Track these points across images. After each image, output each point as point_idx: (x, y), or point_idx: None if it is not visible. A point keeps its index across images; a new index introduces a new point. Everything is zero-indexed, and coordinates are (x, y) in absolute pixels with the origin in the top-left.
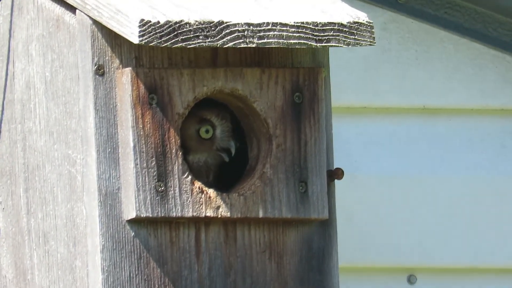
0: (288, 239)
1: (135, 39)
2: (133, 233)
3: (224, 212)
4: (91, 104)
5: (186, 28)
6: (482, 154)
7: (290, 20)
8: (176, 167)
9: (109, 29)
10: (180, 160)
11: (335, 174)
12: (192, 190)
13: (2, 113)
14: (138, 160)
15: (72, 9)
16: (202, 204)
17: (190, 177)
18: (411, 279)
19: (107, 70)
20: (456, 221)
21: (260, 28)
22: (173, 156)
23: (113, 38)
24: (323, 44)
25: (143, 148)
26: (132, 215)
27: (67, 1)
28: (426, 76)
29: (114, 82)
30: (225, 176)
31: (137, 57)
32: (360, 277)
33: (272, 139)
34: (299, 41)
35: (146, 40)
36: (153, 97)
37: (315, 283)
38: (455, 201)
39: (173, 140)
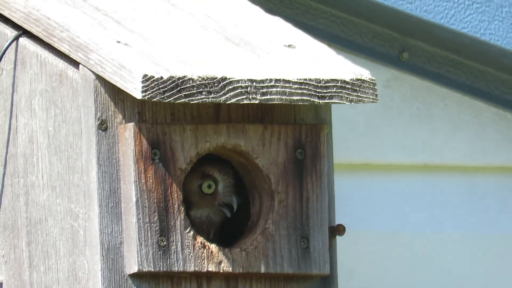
0: None
1: (138, 95)
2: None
3: (226, 267)
4: (94, 159)
5: (189, 83)
6: (483, 211)
7: (293, 77)
8: (178, 222)
9: (112, 84)
10: (182, 215)
11: (336, 230)
12: (194, 245)
13: (5, 167)
14: (141, 215)
15: (75, 64)
16: (204, 259)
17: (192, 232)
18: None
19: (110, 125)
20: (456, 278)
21: (263, 85)
22: (175, 211)
23: (116, 93)
24: (326, 101)
25: (146, 203)
26: (134, 269)
27: (71, 56)
28: (428, 134)
29: (117, 137)
30: (227, 232)
31: (140, 112)
32: None
33: (274, 195)
34: (302, 97)
35: (149, 96)
36: (155, 152)
37: None
38: (455, 258)
39: (176, 195)
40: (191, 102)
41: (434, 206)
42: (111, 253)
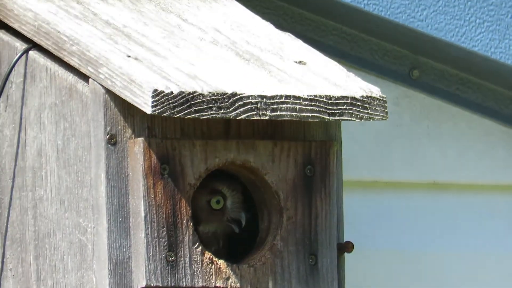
0: None
1: (148, 109)
2: None
3: (234, 283)
4: (103, 173)
5: (199, 99)
6: (491, 230)
7: (303, 93)
8: (187, 238)
9: (122, 98)
10: (191, 230)
11: (345, 247)
12: (202, 261)
13: (14, 181)
14: (149, 230)
15: (85, 78)
16: (212, 274)
17: (200, 247)
18: None
19: (120, 139)
20: None
21: (273, 101)
22: (184, 226)
23: (126, 108)
24: (336, 118)
25: (154, 218)
26: (142, 284)
27: (80, 70)
28: (437, 152)
29: (126, 152)
30: (235, 247)
31: (149, 127)
32: None
33: (283, 212)
34: (312, 114)
35: (159, 111)
36: (165, 167)
37: None
38: (463, 277)
39: (184, 210)
40: (201, 118)
41: (443, 224)
42: (119, 267)
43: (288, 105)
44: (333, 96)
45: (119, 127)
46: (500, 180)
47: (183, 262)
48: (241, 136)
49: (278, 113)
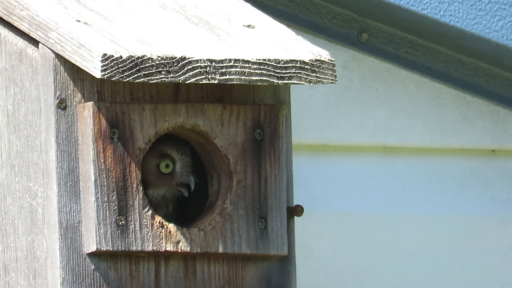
0: (247, 274)
1: (97, 74)
2: (93, 266)
3: (184, 247)
4: (53, 138)
5: (148, 63)
6: (441, 193)
7: (252, 57)
8: (137, 202)
9: (71, 63)
10: (141, 194)
11: (294, 211)
12: (152, 225)
13: None
14: (99, 194)
15: (35, 42)
16: (162, 238)
17: (150, 211)
18: None
19: (69, 104)
20: (414, 259)
21: (222, 65)
22: (134, 190)
23: (75, 72)
24: (285, 82)
25: (104, 182)
26: (93, 248)
27: (30, 35)
28: (386, 115)
29: (76, 116)
30: (185, 211)
31: (99, 92)
32: None
33: (232, 175)
34: (261, 78)
35: (108, 75)
36: (114, 131)
37: None
38: (413, 240)
39: (134, 174)
40: (150, 82)
41: (392, 187)
42: (70, 232)
43: (237, 69)
44: (282, 60)
45: (69, 92)
46: (450, 143)
47: (133, 226)
48: (190, 100)
49: (227, 77)
